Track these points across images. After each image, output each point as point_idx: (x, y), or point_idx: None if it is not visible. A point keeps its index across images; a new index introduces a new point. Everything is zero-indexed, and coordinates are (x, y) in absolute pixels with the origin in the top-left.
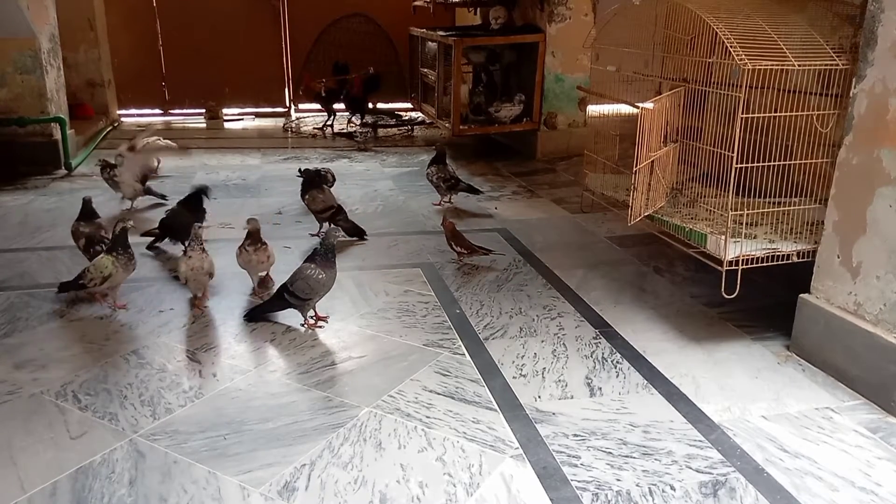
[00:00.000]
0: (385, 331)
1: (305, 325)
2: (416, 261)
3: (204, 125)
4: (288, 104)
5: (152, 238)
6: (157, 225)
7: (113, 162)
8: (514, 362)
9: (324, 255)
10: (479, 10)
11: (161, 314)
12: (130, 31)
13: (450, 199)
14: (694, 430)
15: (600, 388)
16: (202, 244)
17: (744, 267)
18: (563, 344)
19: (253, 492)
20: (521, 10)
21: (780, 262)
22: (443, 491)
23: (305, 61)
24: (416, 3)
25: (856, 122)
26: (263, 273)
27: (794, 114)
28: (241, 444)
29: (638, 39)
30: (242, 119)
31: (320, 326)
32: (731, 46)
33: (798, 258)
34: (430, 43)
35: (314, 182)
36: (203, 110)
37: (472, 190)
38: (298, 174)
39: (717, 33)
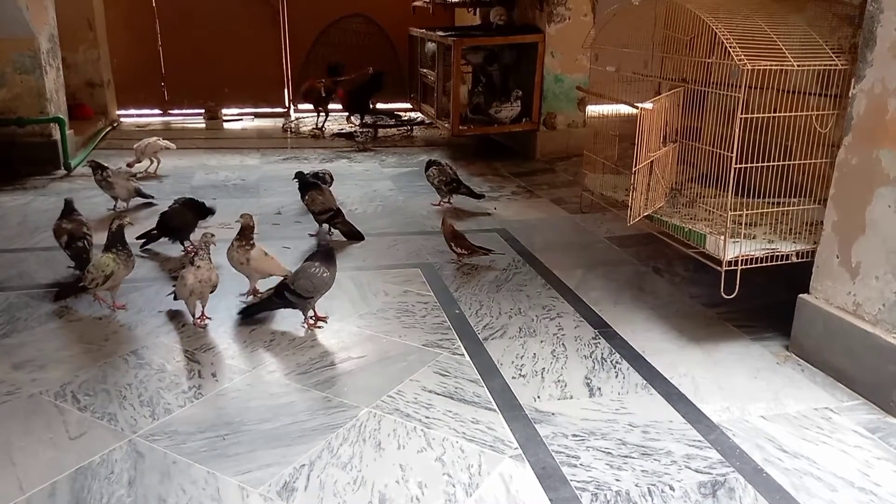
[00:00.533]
0: (384, 331)
1: (305, 325)
2: (416, 261)
3: (203, 125)
4: (287, 104)
5: (146, 239)
6: (148, 225)
7: (105, 164)
8: (513, 362)
9: (325, 254)
10: (478, 10)
11: (160, 314)
12: (130, 31)
13: (449, 199)
14: (693, 431)
15: (599, 389)
16: (210, 255)
17: (743, 267)
18: (563, 344)
19: (252, 492)
20: (521, 11)
21: (779, 263)
22: (442, 491)
23: (305, 61)
24: (416, 4)
25: (855, 122)
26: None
27: (793, 114)
28: (240, 445)
29: (637, 40)
30: (242, 119)
31: (319, 327)
32: (730, 47)
33: (797, 258)
34: (429, 43)
35: (313, 183)
36: (202, 110)
37: (473, 193)
38: (294, 179)
39: (716, 34)
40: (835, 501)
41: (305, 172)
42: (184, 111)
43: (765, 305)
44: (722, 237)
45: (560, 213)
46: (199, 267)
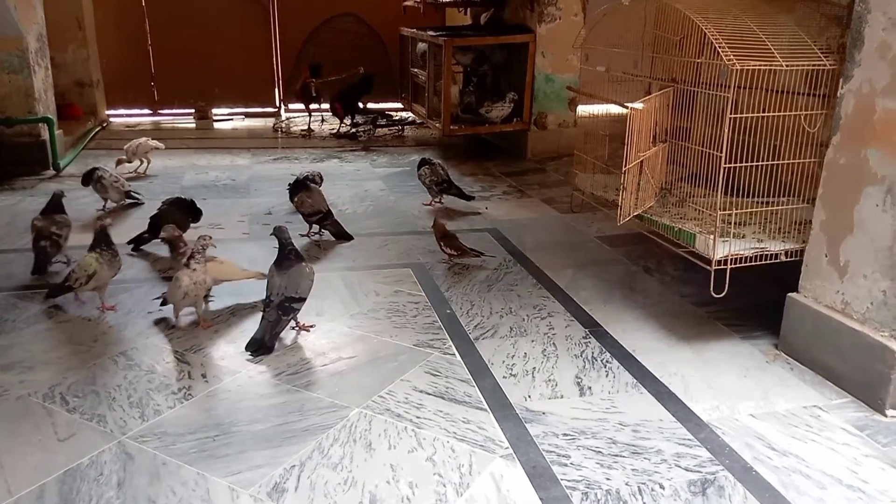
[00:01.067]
0: (375, 331)
1: (297, 328)
2: (407, 261)
3: (193, 125)
4: (278, 104)
5: (136, 243)
6: (137, 226)
7: (95, 167)
8: (504, 362)
9: (298, 253)
10: (469, 9)
11: (149, 315)
12: (119, 30)
13: (440, 199)
14: (683, 429)
15: (590, 388)
16: (205, 258)
17: (732, 266)
18: (553, 343)
19: (242, 493)
20: (512, 10)
21: (768, 262)
22: (433, 491)
23: (296, 61)
24: (407, 3)
25: (843, 122)
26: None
27: (782, 114)
28: (230, 446)
29: (627, 40)
30: (232, 119)
31: (313, 325)
32: (719, 47)
33: (786, 257)
34: (420, 43)
35: (303, 184)
36: (192, 110)
37: (463, 195)
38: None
39: (705, 34)
40: (823, 499)
41: (295, 174)
42: (174, 111)
43: (754, 304)
44: (711, 236)
45: (551, 213)
46: (194, 269)
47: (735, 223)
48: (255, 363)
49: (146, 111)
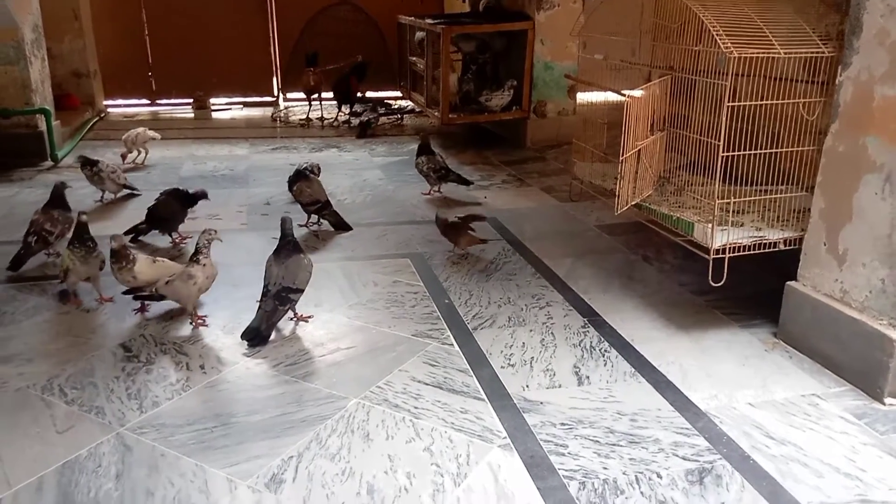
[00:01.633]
0: (374, 321)
1: (295, 319)
2: (405, 251)
3: (192, 115)
4: (276, 93)
5: (135, 233)
6: (135, 218)
7: (94, 159)
8: (502, 352)
9: (297, 245)
10: None
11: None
12: (116, 20)
13: (439, 188)
14: (681, 418)
15: (588, 377)
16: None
17: (731, 255)
18: (552, 333)
19: (240, 484)
20: None
21: (767, 251)
22: (430, 481)
23: (294, 50)
24: None
25: (841, 109)
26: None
27: (780, 101)
28: (228, 437)
29: (626, 27)
30: (230, 108)
31: (310, 316)
32: (716, 35)
33: (785, 246)
34: (418, 31)
35: (301, 174)
36: (191, 100)
37: (463, 181)
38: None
39: (703, 21)
40: (820, 487)
41: (294, 164)
42: (172, 101)
43: (753, 293)
44: (709, 225)
45: (550, 202)
46: (204, 265)
47: (734, 211)
48: (251, 356)
49: (144, 101)
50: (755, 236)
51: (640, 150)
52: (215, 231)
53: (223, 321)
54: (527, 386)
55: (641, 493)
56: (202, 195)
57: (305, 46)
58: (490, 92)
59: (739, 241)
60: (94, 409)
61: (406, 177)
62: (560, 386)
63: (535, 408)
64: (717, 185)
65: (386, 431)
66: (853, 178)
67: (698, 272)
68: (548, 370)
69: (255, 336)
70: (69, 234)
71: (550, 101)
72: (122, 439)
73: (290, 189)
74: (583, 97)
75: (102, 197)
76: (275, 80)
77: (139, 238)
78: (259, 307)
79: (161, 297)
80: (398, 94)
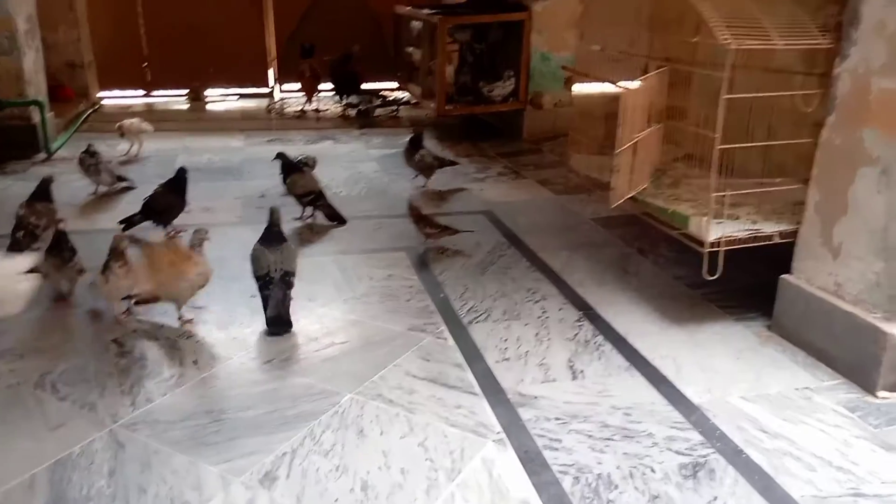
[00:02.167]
0: (368, 316)
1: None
2: (401, 244)
3: (187, 106)
4: (271, 85)
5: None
6: (128, 210)
7: (93, 150)
8: (497, 346)
9: (281, 233)
10: None
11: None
12: (111, 10)
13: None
14: (675, 412)
15: (582, 371)
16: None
17: (726, 248)
18: (547, 327)
19: (234, 481)
20: None
21: (762, 243)
22: (424, 477)
23: (290, 41)
24: None
25: (839, 101)
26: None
27: (777, 94)
28: (221, 433)
29: (624, 18)
30: (226, 100)
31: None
32: (715, 26)
33: (780, 239)
34: (414, 22)
35: (295, 166)
36: (186, 91)
37: (448, 163)
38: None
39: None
40: (813, 481)
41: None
42: (167, 92)
43: (748, 286)
44: (705, 218)
45: (546, 195)
46: (196, 263)
47: (729, 204)
48: (245, 351)
49: (139, 92)
50: (751, 229)
51: (636, 142)
52: (206, 231)
53: (215, 317)
54: (521, 380)
55: (635, 487)
56: (181, 172)
57: (302, 37)
58: (492, 82)
59: (735, 234)
60: (86, 406)
61: (402, 169)
62: (554, 380)
63: (530, 402)
64: (712, 179)
65: (380, 427)
66: (849, 171)
67: (694, 265)
68: (542, 364)
69: (279, 324)
70: (56, 227)
71: (547, 93)
72: (114, 436)
73: (284, 181)
74: (579, 88)
75: (96, 189)
76: (271, 71)
77: (131, 228)
78: (266, 297)
79: (156, 299)
80: (394, 84)
